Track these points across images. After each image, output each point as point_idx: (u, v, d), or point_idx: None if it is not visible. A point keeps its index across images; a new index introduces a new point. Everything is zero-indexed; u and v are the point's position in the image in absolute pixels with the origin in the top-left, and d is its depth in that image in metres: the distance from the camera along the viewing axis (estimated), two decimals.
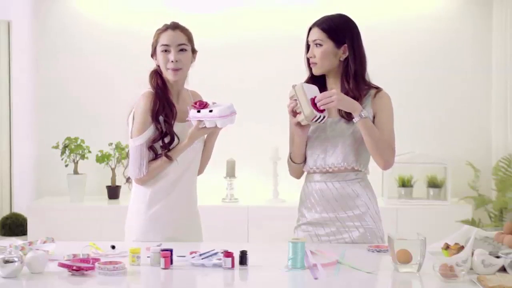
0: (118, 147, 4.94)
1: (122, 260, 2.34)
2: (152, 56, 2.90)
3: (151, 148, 2.81)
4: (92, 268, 2.25)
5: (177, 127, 2.84)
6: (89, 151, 4.91)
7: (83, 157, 4.89)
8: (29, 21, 5.18)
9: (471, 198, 4.83)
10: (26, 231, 4.79)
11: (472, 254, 2.24)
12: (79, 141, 4.87)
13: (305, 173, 2.89)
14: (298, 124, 2.72)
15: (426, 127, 5.17)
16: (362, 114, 2.66)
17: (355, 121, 2.68)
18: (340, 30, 2.75)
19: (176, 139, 2.82)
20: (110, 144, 4.97)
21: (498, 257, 2.25)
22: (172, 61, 2.81)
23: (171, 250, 2.34)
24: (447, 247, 2.44)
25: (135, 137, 2.82)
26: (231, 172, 4.93)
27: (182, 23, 2.91)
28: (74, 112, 5.20)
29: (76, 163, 4.89)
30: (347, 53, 2.76)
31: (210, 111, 2.75)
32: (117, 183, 5.01)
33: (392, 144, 2.76)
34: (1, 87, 4.98)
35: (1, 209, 5.04)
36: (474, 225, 4.34)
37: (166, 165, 2.82)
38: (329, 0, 4.92)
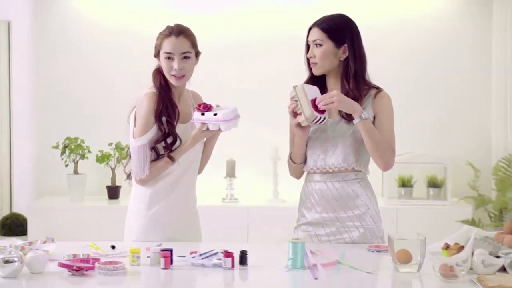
0: (118, 147, 4.95)
1: (122, 260, 2.34)
2: (155, 56, 2.90)
3: (153, 148, 2.82)
4: (92, 268, 2.25)
5: (179, 128, 2.84)
6: (89, 151, 4.91)
7: (83, 157, 4.89)
8: (29, 21, 5.18)
9: (471, 198, 4.83)
10: (26, 231, 4.79)
11: (472, 254, 2.24)
12: (79, 141, 4.87)
13: (305, 173, 2.89)
14: (299, 125, 2.72)
15: (426, 127, 5.17)
16: (363, 116, 2.66)
17: (355, 122, 2.68)
18: (340, 30, 2.75)
19: (178, 140, 2.83)
20: (110, 144, 4.97)
21: (498, 257, 2.25)
22: (176, 69, 2.81)
23: (171, 250, 2.34)
24: (447, 247, 2.44)
25: (138, 137, 2.82)
26: (231, 172, 4.93)
27: (182, 23, 2.90)
28: (74, 112, 5.20)
29: (76, 163, 4.89)
30: (347, 53, 2.76)
31: (215, 114, 2.76)
32: (117, 183, 5.01)
33: (392, 145, 2.76)
34: (1, 87, 4.98)
35: (1, 209, 5.04)
36: (474, 225, 4.34)
37: (168, 165, 2.83)
38: (329, 0, 4.92)
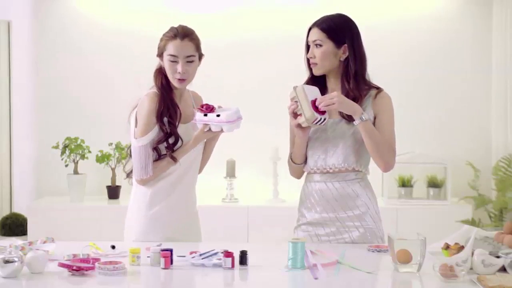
0: (118, 147, 4.95)
1: (122, 260, 2.34)
2: (158, 56, 2.89)
3: (155, 148, 2.82)
4: (92, 268, 2.25)
5: (180, 128, 2.84)
6: (89, 151, 4.91)
7: (83, 157, 4.89)
8: (29, 21, 5.18)
9: (471, 198, 4.83)
10: (26, 231, 4.79)
11: (472, 254, 2.24)
12: (79, 141, 4.87)
13: (305, 173, 2.89)
14: (299, 125, 2.72)
15: (426, 127, 5.17)
16: (363, 117, 2.65)
17: (355, 124, 2.68)
18: (340, 30, 2.75)
19: (180, 140, 2.83)
20: (110, 144, 4.97)
21: (498, 257, 2.25)
22: (180, 72, 2.81)
23: (171, 250, 2.34)
24: (447, 247, 2.44)
25: (139, 137, 2.82)
26: (231, 172, 4.93)
27: (182, 23, 2.89)
28: (74, 112, 5.20)
29: (76, 163, 4.89)
30: (347, 53, 2.75)
31: (218, 115, 2.76)
32: (117, 183, 5.01)
33: (393, 145, 2.76)
34: (1, 87, 4.99)
35: (1, 209, 5.04)
36: (474, 225, 4.34)
37: (170, 165, 2.83)
38: (329, 0, 4.92)
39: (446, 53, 5.16)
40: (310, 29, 2.80)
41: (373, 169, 2.85)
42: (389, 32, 5.12)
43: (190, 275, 2.28)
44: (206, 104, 2.81)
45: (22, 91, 5.12)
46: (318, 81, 2.81)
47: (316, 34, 2.75)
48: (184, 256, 2.40)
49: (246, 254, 2.32)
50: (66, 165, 4.91)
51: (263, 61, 5.15)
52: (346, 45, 2.75)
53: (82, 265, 2.26)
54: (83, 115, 5.19)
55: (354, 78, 2.75)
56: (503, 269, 2.23)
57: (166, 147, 2.81)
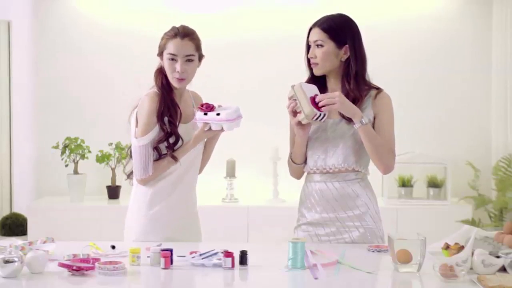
0: (118, 147, 4.95)
1: (122, 260, 2.33)
2: (158, 55, 2.89)
3: (155, 148, 2.82)
4: (92, 268, 2.25)
5: (180, 128, 2.84)
6: (89, 151, 4.91)
7: (83, 157, 4.89)
8: (29, 21, 5.18)
9: (471, 198, 4.83)
10: (26, 231, 4.79)
11: (472, 254, 2.24)
12: (79, 141, 4.87)
13: (305, 173, 2.89)
14: (299, 124, 2.71)
15: (426, 127, 5.17)
16: (363, 121, 2.65)
17: (355, 127, 2.67)
18: (341, 30, 2.74)
19: (180, 140, 2.83)
20: (110, 144, 4.97)
21: (498, 257, 2.25)
22: (178, 71, 2.81)
23: (171, 250, 2.34)
24: (447, 247, 2.44)
25: (140, 137, 2.82)
26: (231, 172, 4.93)
27: (182, 23, 2.90)
28: (74, 112, 5.20)
29: (76, 163, 4.89)
30: (348, 54, 2.75)
31: (218, 114, 2.76)
32: (117, 183, 5.01)
33: (392, 147, 2.75)
34: (1, 87, 4.98)
35: (1, 209, 5.04)
36: (474, 225, 4.34)
37: (171, 165, 2.83)
38: (329, 0, 4.92)
39: (446, 53, 5.16)
40: (310, 29, 2.79)
41: (373, 169, 2.85)
42: (389, 32, 5.12)
43: (190, 275, 2.28)
44: (206, 103, 2.81)
45: (22, 91, 5.12)
46: (318, 81, 2.81)
47: (317, 34, 2.75)
48: (184, 256, 2.40)
49: (246, 254, 2.32)
50: (66, 165, 4.91)
51: (263, 61, 5.15)
52: (347, 45, 2.74)
53: (82, 265, 2.26)
54: (83, 115, 5.19)
55: (355, 78, 2.75)
56: (503, 269, 2.23)
57: (167, 147, 2.82)
